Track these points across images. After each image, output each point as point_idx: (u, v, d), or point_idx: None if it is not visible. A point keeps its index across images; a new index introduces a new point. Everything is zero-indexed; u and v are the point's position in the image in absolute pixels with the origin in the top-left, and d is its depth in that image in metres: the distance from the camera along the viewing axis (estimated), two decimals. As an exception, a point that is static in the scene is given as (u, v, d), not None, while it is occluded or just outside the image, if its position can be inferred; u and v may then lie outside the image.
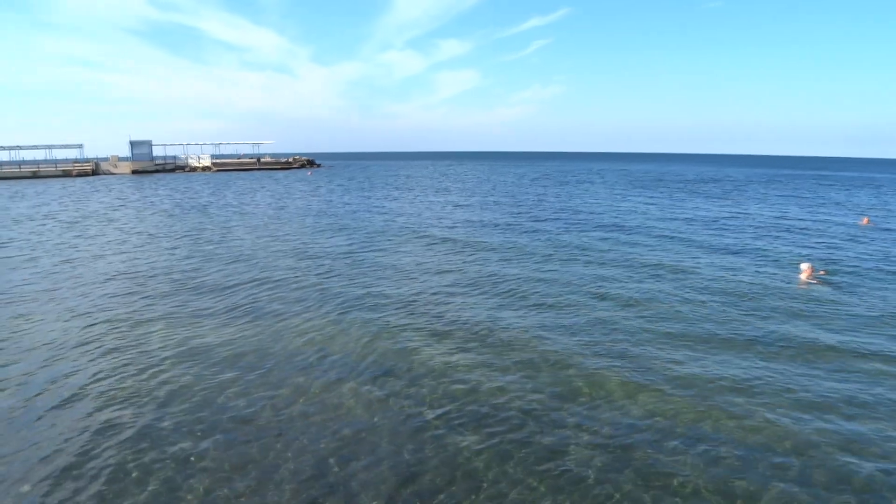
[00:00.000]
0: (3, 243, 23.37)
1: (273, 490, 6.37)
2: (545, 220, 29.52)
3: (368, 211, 34.11)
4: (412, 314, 12.88)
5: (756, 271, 17.21)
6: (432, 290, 14.91)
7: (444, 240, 23.04)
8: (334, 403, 8.44)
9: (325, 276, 16.78)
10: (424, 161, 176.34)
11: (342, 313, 12.92)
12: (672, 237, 23.61)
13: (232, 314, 12.94)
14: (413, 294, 14.58)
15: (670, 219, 29.89)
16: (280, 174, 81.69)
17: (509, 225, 27.47)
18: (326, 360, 10.12)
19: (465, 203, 38.99)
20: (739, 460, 7.00)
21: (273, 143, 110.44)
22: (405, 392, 8.82)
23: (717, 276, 16.49)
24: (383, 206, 36.86)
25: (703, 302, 13.85)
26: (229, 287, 15.46)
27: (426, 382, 9.14)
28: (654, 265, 17.91)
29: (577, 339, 11.21)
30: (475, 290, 15.04)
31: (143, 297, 14.54)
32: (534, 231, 25.34)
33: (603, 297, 14.20)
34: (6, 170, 78.87)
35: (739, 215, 31.96)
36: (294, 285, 15.63)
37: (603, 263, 18.29)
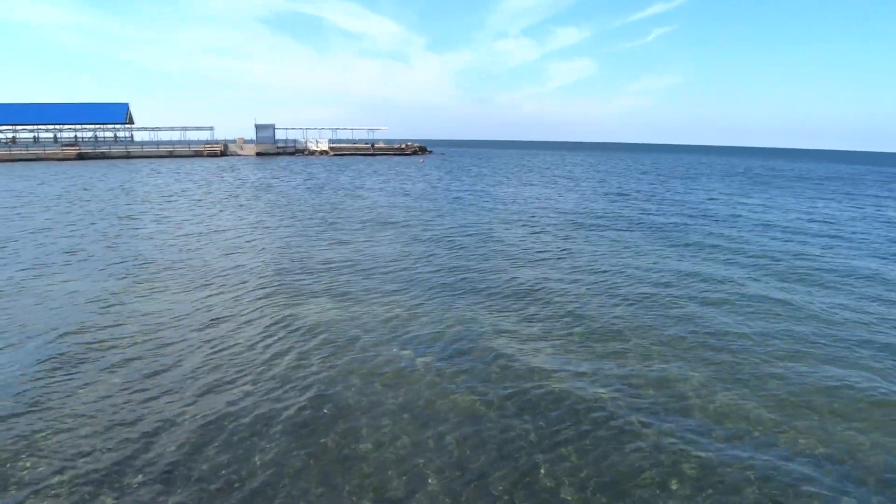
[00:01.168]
0: (138, 215, 25.36)
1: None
2: (659, 213, 28.25)
3: (478, 197, 34.09)
4: (532, 308, 12.65)
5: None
6: (556, 280, 14.59)
7: (558, 228, 22.58)
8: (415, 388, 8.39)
9: (427, 259, 16.87)
10: (535, 150, 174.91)
11: (433, 297, 12.90)
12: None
13: (332, 292, 13.26)
14: (534, 285, 14.33)
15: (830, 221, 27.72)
16: (393, 159, 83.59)
17: (619, 217, 26.52)
18: (436, 345, 10.12)
19: (575, 193, 38.12)
20: None
21: (387, 130, 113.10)
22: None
23: None
24: (494, 193, 36.76)
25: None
26: (334, 267, 15.87)
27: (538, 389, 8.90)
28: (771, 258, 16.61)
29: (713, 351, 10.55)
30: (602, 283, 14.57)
31: (251, 272, 15.23)
32: (650, 227, 24.27)
33: (707, 301, 13.30)
34: (147, 149, 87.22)
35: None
36: (394, 268, 15.81)
37: (736, 260, 17.20)
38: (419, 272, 15.38)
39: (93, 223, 23.31)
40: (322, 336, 10.41)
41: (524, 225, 23.89)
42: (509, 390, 8.34)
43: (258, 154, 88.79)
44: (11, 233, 20.64)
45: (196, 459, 6.54)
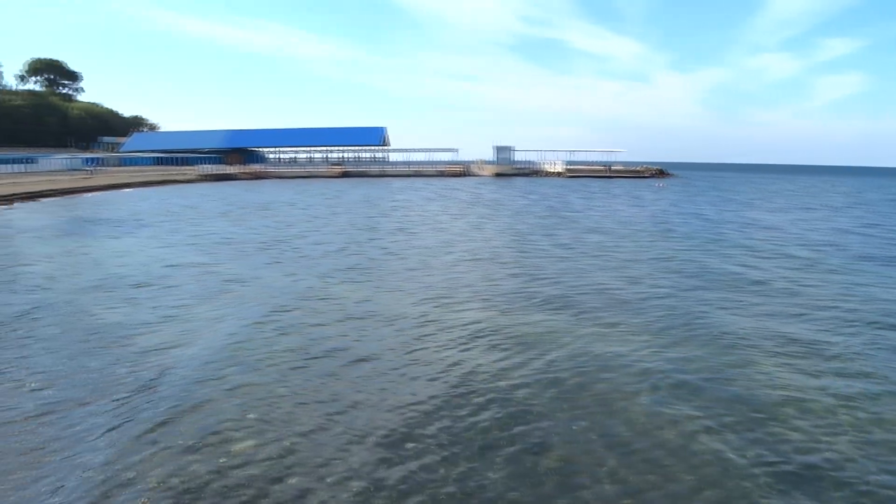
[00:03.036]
0: (387, 225, 28.14)
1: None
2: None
3: (724, 224, 31.90)
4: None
5: None
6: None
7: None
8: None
9: (675, 290, 16.26)
10: (793, 174, 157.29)
11: (684, 330, 12.40)
12: None
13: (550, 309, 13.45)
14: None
15: None
16: (629, 182, 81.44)
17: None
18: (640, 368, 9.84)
19: (839, 224, 33.70)
20: None
21: (624, 152, 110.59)
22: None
23: None
24: (744, 220, 34.08)
25: None
26: (561, 285, 16.08)
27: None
28: None
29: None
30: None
31: (478, 283, 16.08)
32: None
33: None
34: (399, 168, 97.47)
35: None
36: (630, 296, 15.51)
37: None
38: (657, 300, 14.93)
39: (350, 230, 26.50)
40: (550, 355, 10.63)
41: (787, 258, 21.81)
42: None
43: (496, 175, 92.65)
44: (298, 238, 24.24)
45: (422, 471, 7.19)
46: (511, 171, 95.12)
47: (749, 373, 9.49)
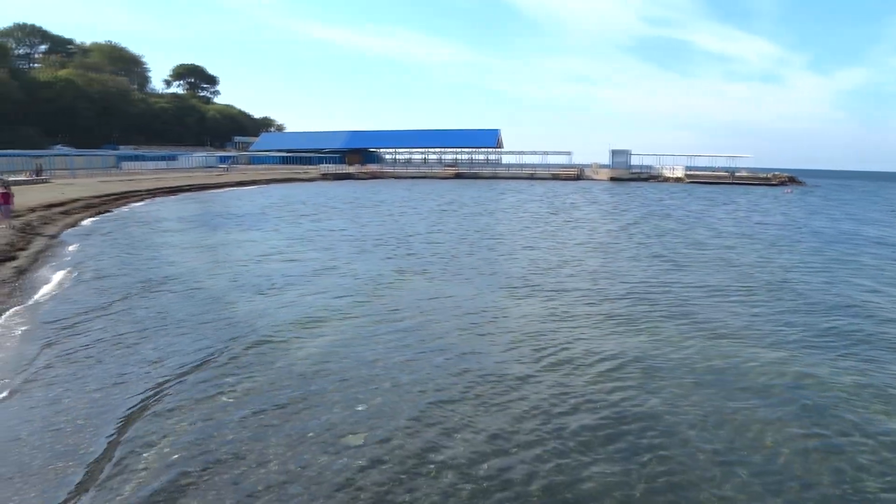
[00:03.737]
0: (501, 227, 28.11)
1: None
2: None
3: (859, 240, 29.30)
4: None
5: None
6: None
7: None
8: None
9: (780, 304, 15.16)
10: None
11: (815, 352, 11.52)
12: None
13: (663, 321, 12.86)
14: None
15: None
16: (756, 190, 76.49)
17: None
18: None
19: None
20: None
21: (750, 158, 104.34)
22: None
23: None
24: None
25: None
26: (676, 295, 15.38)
27: None
28: None
29: None
30: None
31: (589, 290, 15.68)
32: None
33: None
34: (512, 171, 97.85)
35: None
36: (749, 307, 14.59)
37: None
38: (782, 320, 13.98)
39: (461, 232, 26.76)
40: (672, 369, 10.25)
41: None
42: None
43: (611, 179, 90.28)
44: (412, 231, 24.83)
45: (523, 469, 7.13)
46: (627, 175, 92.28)
47: None
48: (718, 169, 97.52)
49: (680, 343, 11.13)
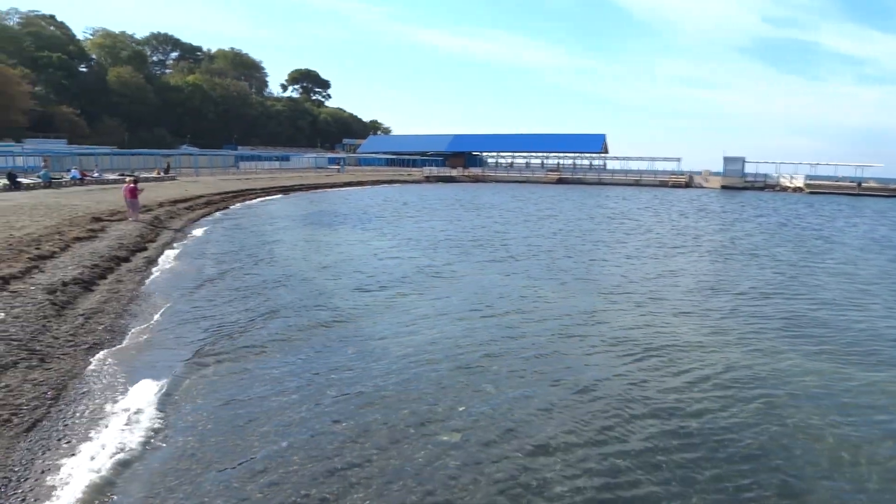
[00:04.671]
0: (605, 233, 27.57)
1: None
2: None
3: None
4: None
5: None
6: None
7: None
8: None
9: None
10: None
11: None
12: None
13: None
14: None
15: None
16: (884, 201, 70.45)
17: None
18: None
19: None
20: None
21: (881, 167, 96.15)
22: None
23: None
24: None
25: None
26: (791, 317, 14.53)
27: None
28: None
29: None
30: None
31: (695, 304, 15.09)
32: None
33: None
34: (617, 177, 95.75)
35: None
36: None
37: None
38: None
39: (562, 235, 26.52)
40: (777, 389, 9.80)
41: None
42: None
43: (723, 187, 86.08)
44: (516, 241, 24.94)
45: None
46: (741, 183, 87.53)
47: None
48: (843, 178, 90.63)
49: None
